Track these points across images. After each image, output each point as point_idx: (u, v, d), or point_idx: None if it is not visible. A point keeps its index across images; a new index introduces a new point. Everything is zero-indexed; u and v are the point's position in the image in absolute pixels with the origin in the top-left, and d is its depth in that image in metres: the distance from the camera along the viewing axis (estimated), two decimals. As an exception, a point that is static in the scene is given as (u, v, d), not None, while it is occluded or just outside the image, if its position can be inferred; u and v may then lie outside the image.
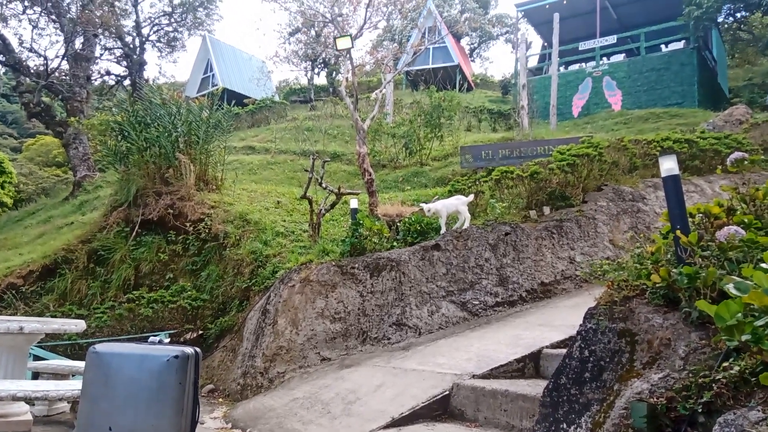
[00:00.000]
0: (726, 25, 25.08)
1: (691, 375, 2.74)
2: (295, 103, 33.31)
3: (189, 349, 3.31)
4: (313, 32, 26.66)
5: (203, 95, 22.40)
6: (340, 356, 6.78)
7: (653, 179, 9.74)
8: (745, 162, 3.73)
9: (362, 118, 11.23)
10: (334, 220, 10.46)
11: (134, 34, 27.50)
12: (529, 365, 5.27)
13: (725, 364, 2.61)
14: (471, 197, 8.17)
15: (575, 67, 23.89)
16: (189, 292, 9.24)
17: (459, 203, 7.96)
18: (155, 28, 28.86)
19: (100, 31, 23.51)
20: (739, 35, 26.32)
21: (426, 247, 7.73)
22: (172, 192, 10.90)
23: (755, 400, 2.38)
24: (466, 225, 7.93)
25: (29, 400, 5.07)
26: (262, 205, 11.29)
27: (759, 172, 8.52)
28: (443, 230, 7.89)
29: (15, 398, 4.39)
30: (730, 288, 2.44)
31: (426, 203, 7.99)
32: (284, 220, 10.49)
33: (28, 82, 21.55)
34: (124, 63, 27.01)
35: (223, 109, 13.05)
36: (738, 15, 23.15)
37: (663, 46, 22.76)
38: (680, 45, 21.79)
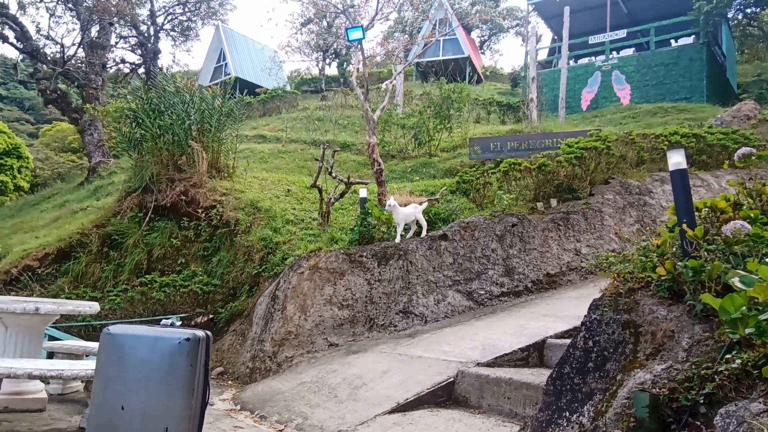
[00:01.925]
0: (736, 21, 24.83)
1: (693, 367, 2.78)
2: (306, 93, 33.36)
3: (200, 333, 3.35)
4: (324, 23, 26.66)
5: (216, 84, 22.44)
6: (348, 342, 6.87)
7: (660, 173, 9.76)
8: (753, 157, 3.75)
9: (372, 109, 11.25)
10: (343, 209, 10.53)
11: (149, 23, 27.56)
12: (533, 354, 5.33)
13: (728, 356, 2.65)
14: (425, 204, 8.08)
15: (585, 60, 23.73)
16: (200, 277, 9.35)
17: (416, 212, 7.80)
18: (169, 17, 28.89)
19: (115, 19, 23.59)
20: (749, 31, 26.02)
21: (433, 236, 7.79)
22: (184, 179, 11.01)
23: (757, 393, 2.43)
24: (424, 233, 7.82)
25: (44, 379, 5.19)
26: (272, 193, 11.38)
27: (766, 168, 8.51)
28: (398, 239, 7.67)
29: (31, 376, 4.47)
30: (735, 281, 2.45)
31: (393, 200, 7.71)
32: (294, 208, 10.57)
33: (45, 69, 21.70)
34: (139, 51, 27.08)
35: (235, 97, 13.12)
36: (748, 11, 22.95)
37: (672, 41, 22.59)
38: (690, 40, 21.61)
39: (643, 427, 2.73)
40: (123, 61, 27.67)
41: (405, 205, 8.11)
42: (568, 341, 4.20)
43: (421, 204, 8.08)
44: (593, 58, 23.25)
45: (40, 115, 44.72)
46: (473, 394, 4.78)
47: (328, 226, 9.12)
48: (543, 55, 26.26)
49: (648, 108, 18.82)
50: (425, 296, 7.34)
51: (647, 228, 7.98)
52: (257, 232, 9.58)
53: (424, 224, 7.85)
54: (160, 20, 28.22)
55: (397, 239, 7.67)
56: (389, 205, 7.54)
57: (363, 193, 8.61)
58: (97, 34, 23.12)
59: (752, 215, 3.31)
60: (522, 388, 4.39)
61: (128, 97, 13.37)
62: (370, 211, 8.12)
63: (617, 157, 9.63)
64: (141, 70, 27.35)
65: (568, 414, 3.30)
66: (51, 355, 6.43)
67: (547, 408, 3.46)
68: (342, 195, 9.91)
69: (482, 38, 45.12)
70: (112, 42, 25.03)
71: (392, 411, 4.69)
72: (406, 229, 7.93)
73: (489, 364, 5.09)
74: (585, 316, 3.56)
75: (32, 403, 5.17)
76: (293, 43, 27.81)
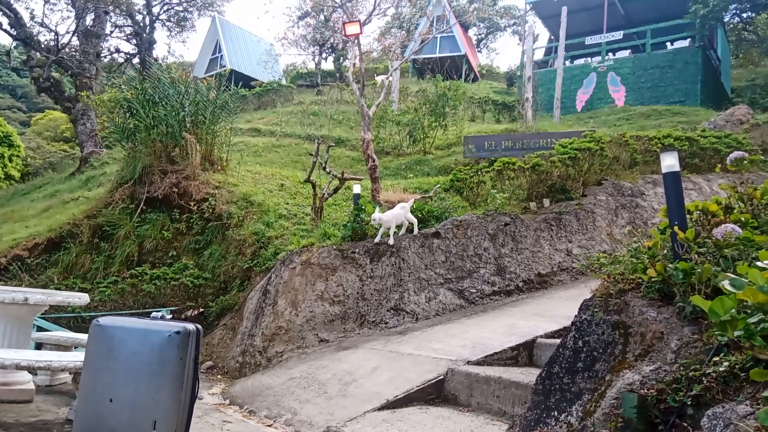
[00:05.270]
0: (732, 25, 24.99)
1: (682, 368, 2.80)
2: (301, 87, 33.25)
3: (190, 326, 3.34)
4: (321, 17, 26.62)
5: (211, 76, 22.31)
6: (338, 338, 6.87)
7: (653, 176, 9.81)
8: (745, 162, 3.76)
9: (368, 105, 11.24)
10: (336, 204, 10.52)
11: (144, 13, 27.41)
12: (523, 354, 5.35)
13: (716, 358, 2.67)
14: (411, 201, 7.94)
15: (581, 61, 23.76)
16: (191, 270, 9.32)
17: (404, 212, 7.64)
18: (165, 7, 28.75)
19: (110, 8, 23.39)
20: (744, 36, 26.21)
21: (426, 234, 7.79)
22: (177, 171, 10.97)
23: (744, 395, 2.45)
24: (416, 230, 7.71)
25: (32, 370, 5.15)
26: (265, 187, 11.35)
27: (757, 173, 8.58)
28: (392, 241, 7.51)
29: (19, 367, 4.44)
30: (725, 284, 2.46)
31: (375, 214, 7.48)
32: (287, 203, 10.56)
33: (38, 57, 21.47)
34: (134, 41, 26.93)
35: (230, 90, 13.10)
36: (744, 15, 23.12)
37: (668, 44, 22.67)
38: (685, 43, 21.70)
39: (630, 427, 2.75)
40: (117, 50, 27.53)
41: (399, 202, 8.09)
42: (557, 341, 4.22)
43: (407, 201, 7.95)
44: (589, 59, 23.29)
45: (32, 103, 44.34)
46: (463, 392, 4.79)
47: (321, 222, 9.10)
48: (539, 54, 26.28)
49: (642, 110, 18.89)
50: (417, 294, 7.34)
51: (639, 230, 8.01)
52: (249, 226, 9.56)
53: (415, 222, 7.79)
54: (155, 10, 28.11)
55: (391, 241, 7.52)
56: (374, 220, 7.39)
57: (357, 189, 8.60)
58: (91, 22, 22.89)
59: (743, 219, 3.33)
60: (511, 386, 4.40)
61: (122, 87, 13.28)
62: (363, 207, 8.11)
63: (610, 159, 9.68)
64: (136, 60, 27.18)
65: (556, 413, 3.31)
66: (39, 346, 6.39)
67: (536, 407, 3.47)
68: (335, 191, 9.90)
69: (479, 36, 45.15)
70: (107, 31, 24.84)
71: (382, 408, 4.70)
72: (399, 227, 7.87)
73: (479, 363, 5.11)
74: (575, 316, 3.58)
75: (19, 394, 5.14)
76: (290, 36, 27.73)
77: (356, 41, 11.83)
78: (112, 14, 24.70)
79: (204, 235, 10.17)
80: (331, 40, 29.74)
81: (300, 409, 5.04)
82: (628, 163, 10.10)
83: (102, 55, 24.35)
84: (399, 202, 8.29)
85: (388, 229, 7.56)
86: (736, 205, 3.59)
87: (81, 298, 5.76)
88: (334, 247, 7.57)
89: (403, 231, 7.80)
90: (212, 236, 10.08)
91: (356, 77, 11.96)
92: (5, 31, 21.62)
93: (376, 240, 7.55)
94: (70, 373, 5.83)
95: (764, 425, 2.06)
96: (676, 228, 3.30)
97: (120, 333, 3.36)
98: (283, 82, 33.29)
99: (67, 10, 24.95)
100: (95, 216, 10.96)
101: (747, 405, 2.34)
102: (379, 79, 21.26)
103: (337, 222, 9.09)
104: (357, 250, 7.52)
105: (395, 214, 7.59)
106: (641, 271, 3.42)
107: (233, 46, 34.74)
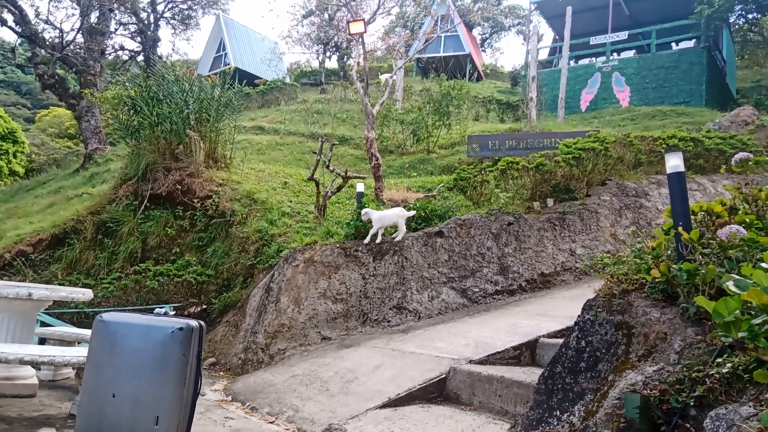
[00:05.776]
0: (737, 26, 24.88)
1: (685, 369, 2.79)
2: (305, 85, 33.25)
3: (193, 322, 3.36)
4: (326, 15, 26.61)
5: (215, 74, 22.30)
6: (341, 336, 6.88)
7: (657, 176, 9.78)
8: (750, 163, 3.75)
9: (372, 104, 11.25)
10: (339, 203, 10.53)
11: (149, 11, 27.43)
12: (525, 353, 5.34)
13: (719, 360, 2.66)
14: (413, 212, 7.79)
15: (585, 61, 23.69)
16: (194, 267, 9.35)
17: (396, 216, 7.56)
18: (170, 5, 28.73)
19: (115, 5, 23.42)
20: (750, 37, 26.10)
21: (429, 233, 7.79)
22: (181, 168, 11.00)
23: (747, 396, 2.44)
24: (399, 238, 7.58)
25: (36, 365, 5.16)
26: (269, 185, 11.37)
27: (762, 174, 8.53)
28: (378, 239, 7.50)
29: (22, 362, 4.45)
30: (730, 285, 2.45)
31: (367, 209, 7.52)
32: (290, 201, 10.57)
33: (43, 54, 21.49)
34: (138, 39, 26.93)
35: (234, 88, 13.08)
36: (750, 16, 22.98)
37: (673, 44, 22.59)
38: (690, 44, 21.62)
39: (633, 427, 2.74)
40: (122, 48, 27.51)
41: (403, 201, 8.07)
42: (560, 341, 4.22)
43: (408, 209, 7.85)
44: (594, 59, 23.21)
45: (37, 100, 44.44)
46: (465, 391, 4.79)
47: (324, 220, 9.12)
48: (544, 54, 26.22)
49: (647, 111, 18.84)
50: (419, 292, 7.34)
51: (643, 230, 7.98)
52: (253, 224, 9.58)
53: (402, 231, 7.62)
54: (160, 8, 28.13)
55: (367, 239, 7.48)
56: (365, 214, 7.41)
57: (360, 187, 8.61)
58: (96, 20, 22.93)
59: (748, 220, 3.31)
60: (513, 386, 4.40)
61: (127, 84, 13.30)
62: (366, 205, 8.11)
63: (615, 159, 9.65)
64: (140, 58, 27.22)
65: (558, 413, 3.31)
66: (43, 341, 6.40)
67: (538, 406, 3.47)
68: (339, 189, 9.91)
69: (483, 36, 45.08)
70: (112, 28, 24.87)
71: (383, 406, 4.70)
72: (392, 228, 7.78)
73: (481, 362, 5.10)
74: (578, 316, 3.57)
75: (23, 389, 5.16)
76: (294, 34, 27.72)
77: (360, 40, 11.84)
78: (116, 12, 24.73)
79: (207, 232, 10.20)
80: (336, 39, 29.73)
81: (302, 406, 5.04)
82: (633, 164, 10.07)
83: (106, 52, 24.36)
84: (403, 200, 8.29)
85: (380, 227, 7.53)
86: (740, 206, 3.58)
87: (84, 294, 5.77)
88: (338, 245, 7.58)
89: (399, 237, 7.62)
90: (215, 233, 10.11)
91: (360, 76, 11.97)
92: (10, 28, 21.68)
93: (378, 240, 7.55)
94: (73, 369, 5.85)
95: (767, 427, 2.06)
96: (680, 229, 3.29)
97: (123, 329, 3.37)
98: (287, 80, 33.29)
99: (72, 8, 24.93)
100: (99, 212, 11.00)
101: (750, 406, 2.34)
102: (383, 77, 21.23)
103: (340, 220, 9.10)
104: (360, 248, 7.53)
105: (387, 215, 7.56)
106: (645, 272, 3.41)
107: (237, 45, 34.77)
